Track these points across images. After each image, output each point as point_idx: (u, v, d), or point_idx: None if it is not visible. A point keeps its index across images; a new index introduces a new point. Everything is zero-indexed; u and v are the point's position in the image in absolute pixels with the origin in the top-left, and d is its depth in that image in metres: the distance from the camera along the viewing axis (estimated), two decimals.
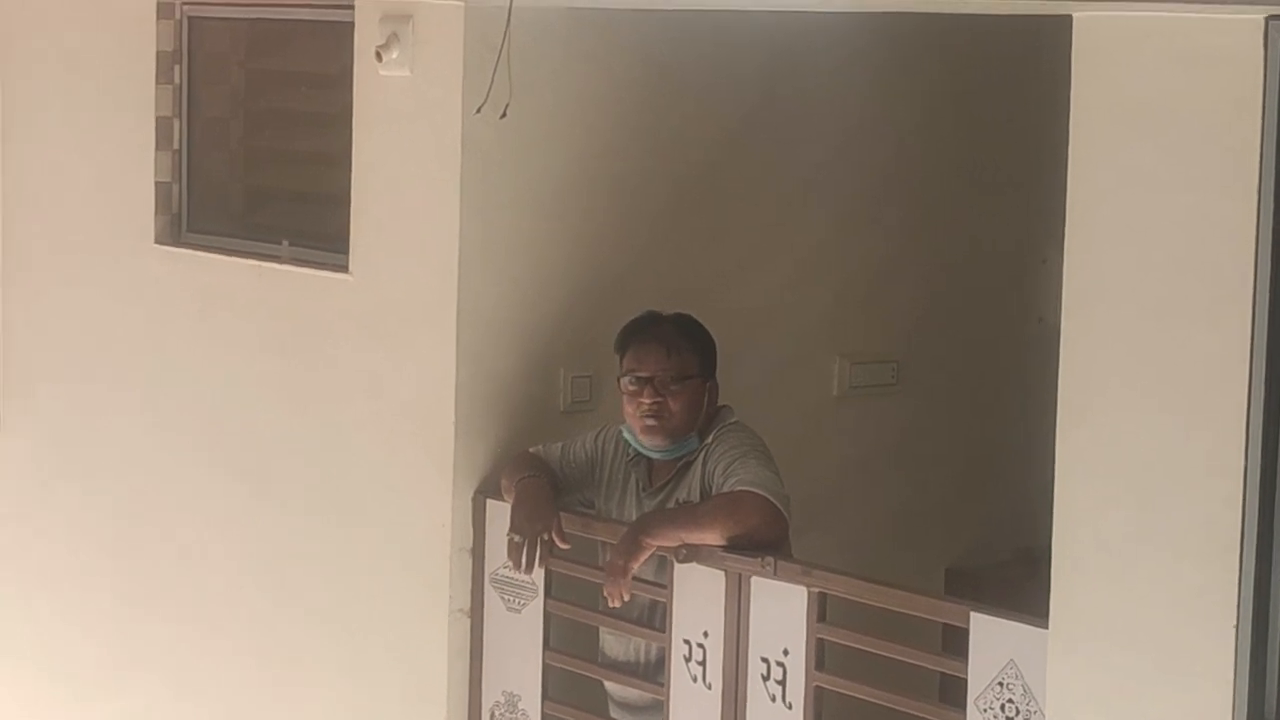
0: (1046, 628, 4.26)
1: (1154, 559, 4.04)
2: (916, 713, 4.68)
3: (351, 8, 5.69)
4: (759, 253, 5.92)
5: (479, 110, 5.20)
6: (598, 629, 5.37)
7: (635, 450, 5.25)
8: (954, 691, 4.57)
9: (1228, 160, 3.88)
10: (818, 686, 4.81)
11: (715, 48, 5.72)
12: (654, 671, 5.19)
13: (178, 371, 6.41)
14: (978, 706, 4.48)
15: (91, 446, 6.77)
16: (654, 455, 5.22)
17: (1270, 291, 3.85)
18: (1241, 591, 3.91)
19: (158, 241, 6.46)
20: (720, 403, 5.25)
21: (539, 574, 5.31)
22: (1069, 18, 4.10)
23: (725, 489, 4.99)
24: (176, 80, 6.45)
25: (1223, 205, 3.90)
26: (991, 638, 4.45)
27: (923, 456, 6.23)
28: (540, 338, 5.59)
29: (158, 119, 6.45)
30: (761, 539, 4.91)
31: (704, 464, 5.12)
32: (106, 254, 6.65)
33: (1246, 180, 3.85)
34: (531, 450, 5.44)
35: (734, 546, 4.92)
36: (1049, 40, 4.52)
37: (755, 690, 4.91)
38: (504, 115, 5.19)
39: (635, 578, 5.02)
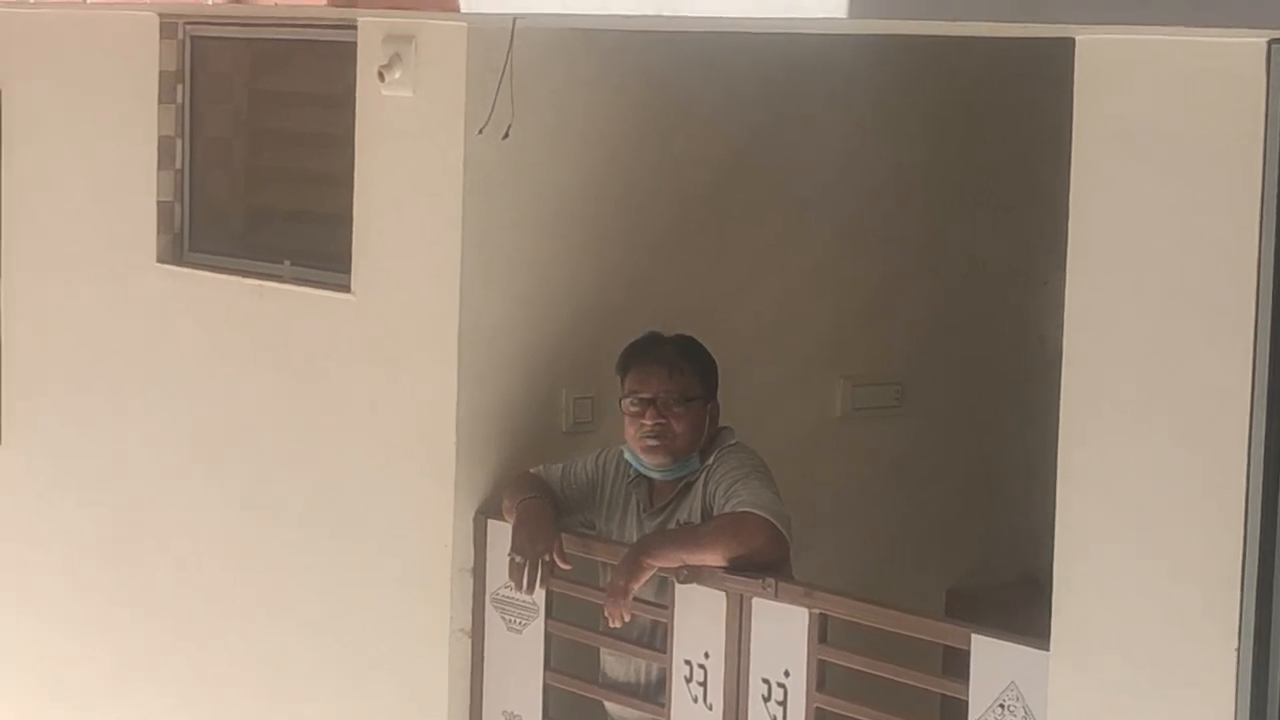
0: (1048, 649, 4.26)
1: (1155, 580, 4.04)
2: None
3: (354, 28, 5.70)
4: (761, 273, 5.93)
5: (481, 131, 5.21)
6: (598, 649, 5.37)
7: (636, 471, 5.26)
8: (955, 713, 4.57)
9: (1229, 182, 3.89)
10: (819, 708, 4.81)
11: (717, 69, 5.74)
12: (655, 692, 5.19)
13: (179, 390, 6.42)
14: None
15: (91, 462, 6.77)
16: (655, 476, 5.22)
17: (1272, 312, 3.86)
18: (1243, 612, 3.91)
19: (160, 260, 6.47)
20: (722, 424, 5.25)
21: (540, 594, 5.31)
22: (1071, 40, 4.11)
23: (726, 510, 4.99)
24: (179, 100, 6.46)
25: (1224, 227, 3.90)
26: (992, 659, 4.45)
27: (924, 477, 6.23)
28: (542, 358, 5.59)
29: (160, 138, 6.46)
30: (762, 560, 4.91)
31: (705, 485, 5.13)
32: (108, 272, 6.66)
33: (1248, 202, 3.86)
34: (532, 471, 5.44)
35: (735, 567, 4.92)
36: (1051, 63, 4.52)
37: (756, 711, 4.91)
38: (506, 136, 5.21)
39: (636, 598, 5.02)
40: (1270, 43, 3.80)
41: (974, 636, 4.48)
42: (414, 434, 5.64)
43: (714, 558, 4.94)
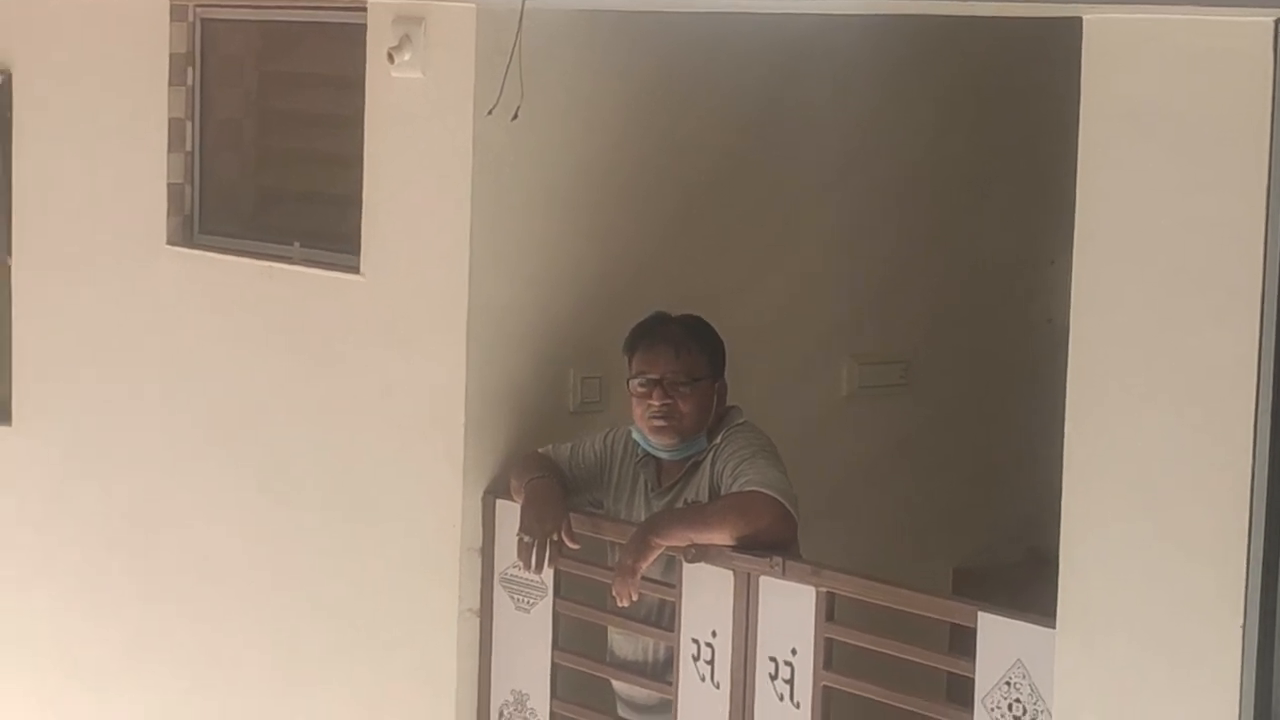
0: (1054, 627, 4.27)
1: (1161, 559, 4.05)
2: (924, 712, 4.70)
3: (364, 10, 5.71)
4: (769, 254, 5.94)
5: (490, 112, 5.21)
6: (606, 628, 5.38)
7: (644, 450, 5.27)
8: (961, 691, 4.58)
9: (1237, 161, 3.89)
10: (826, 686, 4.82)
11: (727, 50, 5.74)
12: (662, 671, 5.20)
13: (190, 372, 6.43)
14: (985, 706, 4.49)
15: (105, 446, 6.79)
16: (663, 455, 5.23)
17: (1279, 292, 3.86)
18: (1249, 591, 3.92)
19: (170, 243, 6.48)
20: (729, 403, 5.26)
21: (548, 574, 5.33)
22: (1078, 20, 4.11)
23: (734, 489, 5.01)
24: (189, 82, 6.47)
25: (1231, 206, 3.91)
26: (999, 637, 4.46)
27: (931, 456, 6.23)
28: (551, 339, 5.60)
29: (170, 121, 6.47)
30: (770, 539, 4.93)
31: (712, 464, 5.14)
32: (119, 255, 6.67)
33: (1255, 181, 3.86)
34: (541, 451, 5.46)
35: (743, 546, 4.93)
36: (1058, 42, 4.53)
37: (763, 689, 4.92)
38: (515, 117, 5.20)
39: (644, 577, 5.03)
40: (1277, 21, 3.80)
41: (980, 614, 4.50)
42: (423, 414, 5.65)
43: (722, 536, 4.95)
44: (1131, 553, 4.11)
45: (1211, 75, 3.92)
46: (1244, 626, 3.93)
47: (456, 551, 5.56)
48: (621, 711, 5.39)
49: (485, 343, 5.53)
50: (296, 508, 6.09)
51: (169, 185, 6.49)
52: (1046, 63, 5.62)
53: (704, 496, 5.13)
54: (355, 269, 5.83)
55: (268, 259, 6.15)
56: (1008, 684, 4.45)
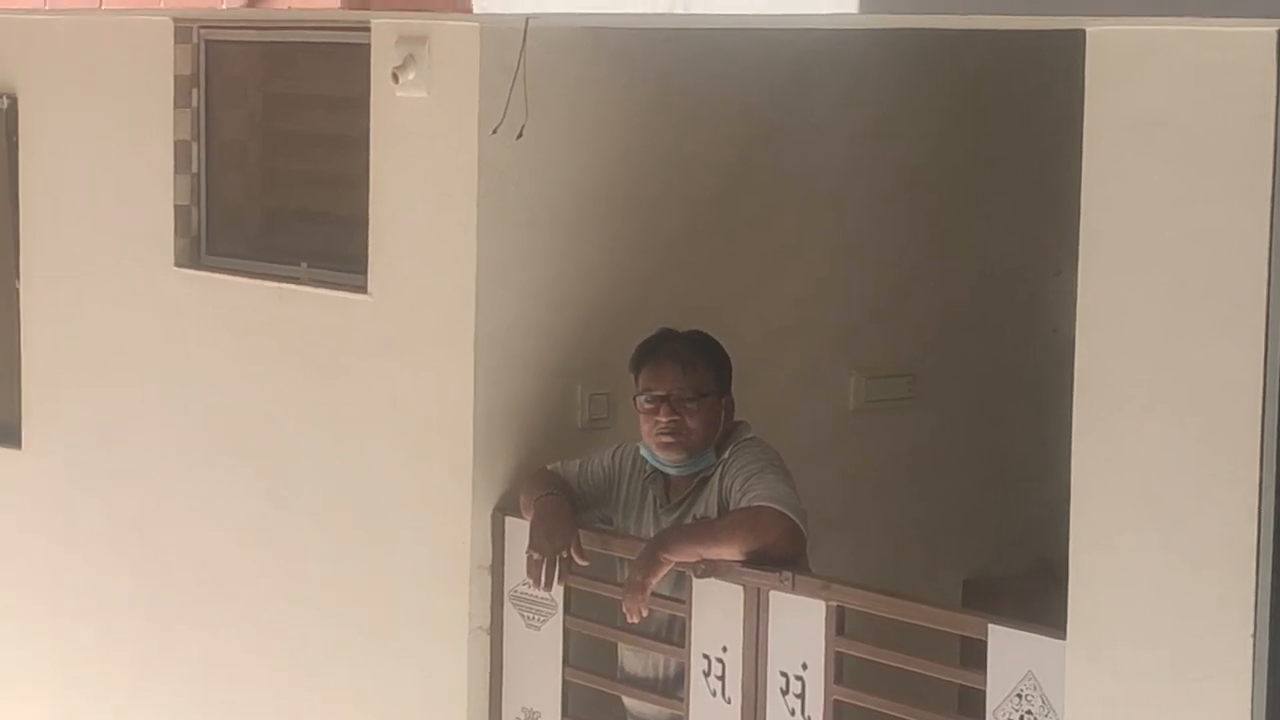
0: (1064, 639, 4.28)
1: (1170, 569, 4.06)
2: None
3: (368, 30, 5.72)
4: (774, 268, 5.95)
5: (495, 130, 5.23)
6: (617, 645, 5.39)
7: (652, 466, 5.28)
8: (972, 703, 4.58)
9: (1240, 172, 3.90)
10: (837, 700, 4.82)
11: (730, 67, 5.75)
12: (673, 687, 5.21)
13: (198, 393, 6.44)
14: (996, 718, 4.49)
15: (113, 465, 6.79)
16: (671, 471, 5.24)
17: None
18: (1258, 600, 3.92)
19: (177, 264, 6.49)
20: (736, 418, 5.27)
21: (558, 591, 5.33)
22: (1082, 32, 4.12)
23: (743, 504, 5.01)
24: (194, 104, 6.48)
25: (1236, 217, 3.92)
26: (1009, 649, 4.46)
27: (939, 469, 6.24)
28: (558, 356, 5.61)
29: (176, 142, 6.48)
30: (779, 554, 4.93)
31: (721, 479, 5.14)
32: (126, 276, 6.68)
33: (1260, 192, 3.87)
34: (549, 467, 5.46)
35: (752, 561, 4.94)
36: (1062, 54, 4.54)
37: (774, 704, 4.92)
38: (520, 135, 5.22)
39: (654, 593, 5.04)
40: None
41: (991, 626, 4.50)
42: (431, 432, 5.66)
43: (731, 552, 4.96)
44: (1140, 564, 4.11)
45: (1215, 86, 3.93)
46: (1254, 636, 3.93)
47: (466, 569, 5.57)
48: None
49: (492, 360, 5.54)
50: (304, 527, 6.10)
51: (175, 207, 6.50)
52: (1049, 72, 5.63)
53: (713, 512, 5.13)
54: (362, 289, 5.84)
55: (275, 280, 6.16)
56: (1019, 696, 4.45)
